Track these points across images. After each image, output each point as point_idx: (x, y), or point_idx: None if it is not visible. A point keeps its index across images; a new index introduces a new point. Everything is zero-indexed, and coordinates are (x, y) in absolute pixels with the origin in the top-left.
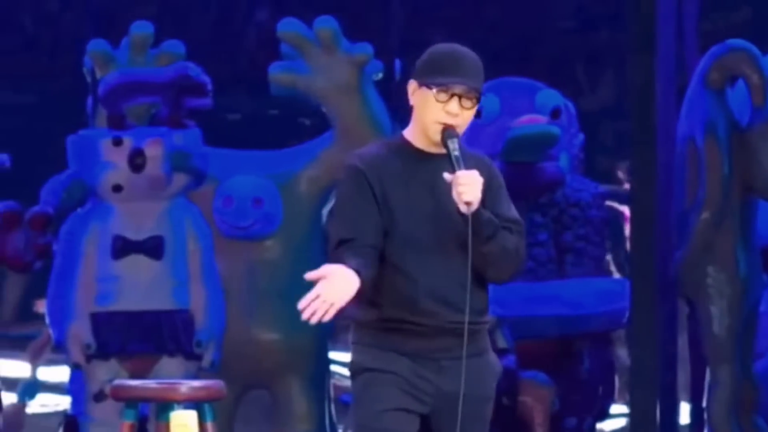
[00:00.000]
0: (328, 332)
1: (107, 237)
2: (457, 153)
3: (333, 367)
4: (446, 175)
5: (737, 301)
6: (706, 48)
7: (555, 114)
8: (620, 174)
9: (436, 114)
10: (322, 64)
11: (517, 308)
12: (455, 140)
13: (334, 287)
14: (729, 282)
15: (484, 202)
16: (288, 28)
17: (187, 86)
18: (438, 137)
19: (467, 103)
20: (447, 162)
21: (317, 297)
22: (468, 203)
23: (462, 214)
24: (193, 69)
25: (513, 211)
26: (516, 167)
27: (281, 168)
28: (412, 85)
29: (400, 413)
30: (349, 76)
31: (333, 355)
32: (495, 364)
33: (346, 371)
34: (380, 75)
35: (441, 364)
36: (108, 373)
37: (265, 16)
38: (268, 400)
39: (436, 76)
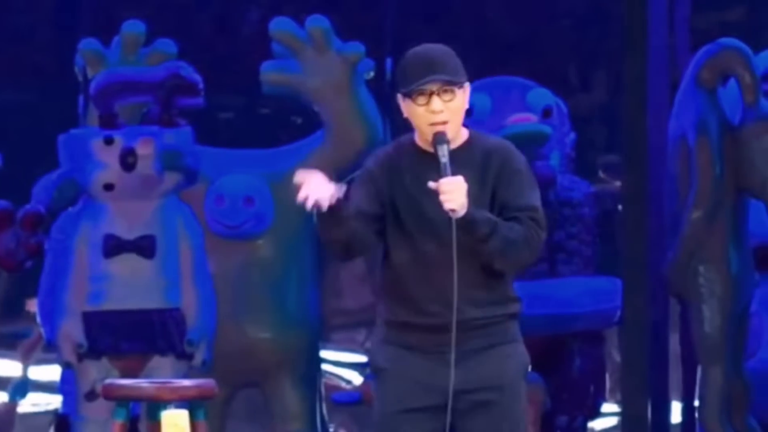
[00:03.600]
0: (319, 331)
1: (99, 236)
2: (444, 160)
3: (324, 366)
4: (431, 184)
5: (729, 300)
6: (698, 47)
7: (546, 113)
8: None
9: (424, 118)
10: (313, 63)
11: None
12: (444, 146)
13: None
14: (720, 281)
15: (494, 191)
16: (280, 27)
17: (179, 85)
18: None
19: (447, 96)
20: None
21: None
22: (452, 210)
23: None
24: (185, 68)
25: (527, 198)
26: None
27: (273, 167)
28: (399, 99)
29: (412, 414)
30: (341, 75)
31: (324, 354)
32: (516, 353)
33: (337, 370)
34: (372, 74)
35: (446, 358)
36: (99, 373)
37: (257, 15)
38: (259, 399)
39: (410, 82)
